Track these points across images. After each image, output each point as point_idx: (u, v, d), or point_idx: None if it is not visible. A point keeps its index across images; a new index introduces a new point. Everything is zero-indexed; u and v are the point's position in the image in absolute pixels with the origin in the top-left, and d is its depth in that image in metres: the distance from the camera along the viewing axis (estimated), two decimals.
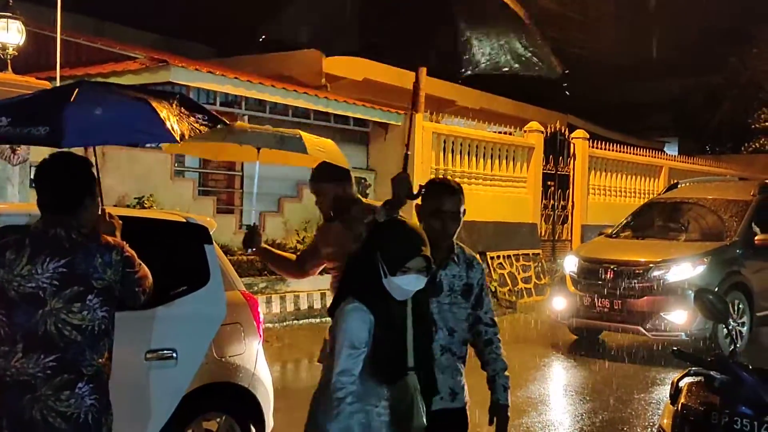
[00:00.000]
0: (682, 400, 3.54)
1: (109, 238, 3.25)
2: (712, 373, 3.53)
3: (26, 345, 3.07)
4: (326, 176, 4.37)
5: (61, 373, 3.07)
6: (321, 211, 4.51)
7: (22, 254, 3.11)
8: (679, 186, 13.00)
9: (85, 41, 13.32)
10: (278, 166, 5.83)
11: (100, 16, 18.37)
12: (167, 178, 11.85)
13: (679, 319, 9.74)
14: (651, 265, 10.09)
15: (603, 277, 10.36)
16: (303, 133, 4.71)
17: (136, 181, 11.05)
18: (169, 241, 4.70)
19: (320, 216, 4.65)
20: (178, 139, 3.52)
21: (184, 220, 4.81)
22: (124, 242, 3.32)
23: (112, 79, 11.33)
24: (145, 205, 10.36)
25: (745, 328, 10.19)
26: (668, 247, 10.65)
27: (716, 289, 8.72)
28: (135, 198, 10.45)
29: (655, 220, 11.92)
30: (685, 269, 9.99)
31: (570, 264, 11.13)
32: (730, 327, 9.80)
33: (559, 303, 11.00)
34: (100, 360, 3.17)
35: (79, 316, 3.10)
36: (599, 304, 10.32)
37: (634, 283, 10.07)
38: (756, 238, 10.59)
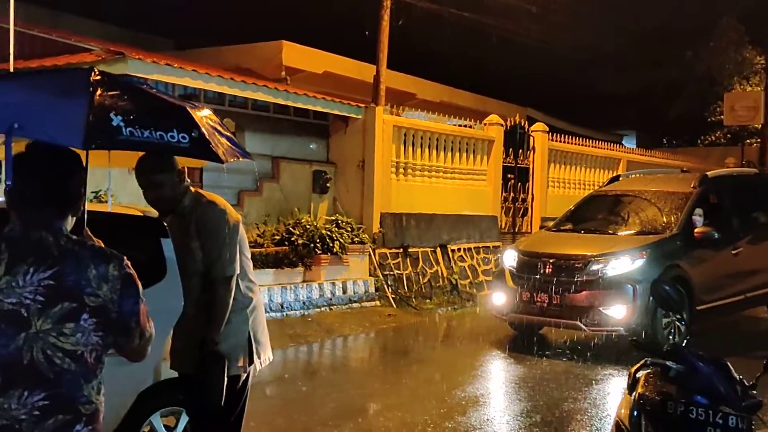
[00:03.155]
0: (639, 390, 3.57)
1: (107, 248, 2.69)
2: (668, 363, 3.57)
3: (6, 379, 2.40)
4: (147, 169, 4.20)
5: (55, 414, 2.42)
6: (152, 207, 4.42)
7: None
8: (620, 179, 12.98)
9: (39, 33, 13.06)
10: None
11: (55, 7, 18.05)
12: (125, 171, 11.66)
13: (618, 313, 9.58)
14: (590, 258, 9.88)
15: (541, 271, 10.11)
16: None
17: (93, 174, 10.85)
18: (126, 235, 4.66)
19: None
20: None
21: (141, 214, 4.76)
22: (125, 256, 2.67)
23: None
24: (102, 200, 10.21)
25: (684, 323, 9.82)
26: (608, 240, 10.48)
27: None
28: (92, 192, 10.29)
29: (596, 213, 11.68)
30: (624, 263, 9.78)
31: (509, 258, 10.84)
32: (671, 321, 9.82)
33: (499, 298, 10.75)
34: (98, 396, 2.54)
35: (72, 339, 2.45)
36: (538, 299, 10.05)
37: (573, 277, 9.83)
38: (695, 230, 10.39)
